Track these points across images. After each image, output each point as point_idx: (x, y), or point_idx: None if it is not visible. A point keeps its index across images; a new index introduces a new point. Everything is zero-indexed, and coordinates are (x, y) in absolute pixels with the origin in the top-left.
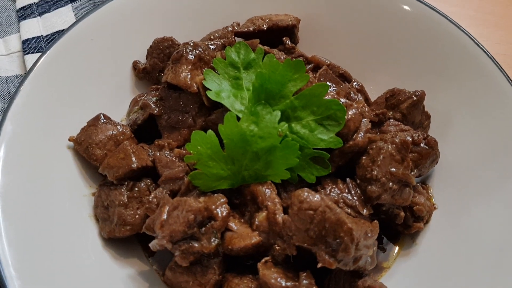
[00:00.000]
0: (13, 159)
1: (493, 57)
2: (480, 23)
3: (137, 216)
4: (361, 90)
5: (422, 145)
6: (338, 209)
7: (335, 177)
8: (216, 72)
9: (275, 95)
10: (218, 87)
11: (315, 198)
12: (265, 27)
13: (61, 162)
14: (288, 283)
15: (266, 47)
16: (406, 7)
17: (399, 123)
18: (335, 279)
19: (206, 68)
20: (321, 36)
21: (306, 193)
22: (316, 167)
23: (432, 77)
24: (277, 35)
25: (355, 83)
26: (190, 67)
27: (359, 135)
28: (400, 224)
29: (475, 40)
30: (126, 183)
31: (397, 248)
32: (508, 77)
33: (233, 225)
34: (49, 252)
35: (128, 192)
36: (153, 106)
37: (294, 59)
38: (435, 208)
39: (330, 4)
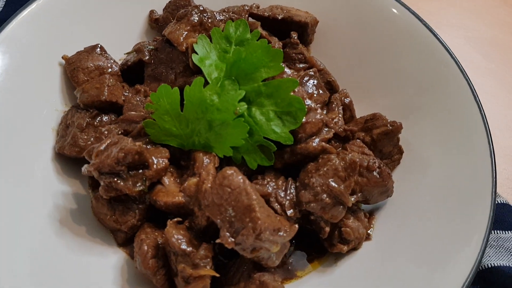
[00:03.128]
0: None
1: None
2: None
3: (88, 142)
4: (347, 105)
5: (374, 172)
6: (254, 196)
7: (280, 173)
8: (211, 41)
9: (245, 75)
10: (204, 54)
11: (237, 179)
12: (279, 17)
13: (48, 76)
14: (187, 247)
15: (265, 32)
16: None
17: (364, 146)
18: (239, 264)
19: (203, 34)
20: (336, 43)
21: (231, 171)
22: (261, 156)
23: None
24: (290, 28)
25: (346, 99)
26: (189, 27)
27: (314, 141)
28: (325, 240)
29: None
30: (91, 110)
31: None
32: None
33: (166, 180)
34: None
35: (89, 119)
36: (146, 53)
37: (295, 54)
38: (368, 238)
39: (353, 16)
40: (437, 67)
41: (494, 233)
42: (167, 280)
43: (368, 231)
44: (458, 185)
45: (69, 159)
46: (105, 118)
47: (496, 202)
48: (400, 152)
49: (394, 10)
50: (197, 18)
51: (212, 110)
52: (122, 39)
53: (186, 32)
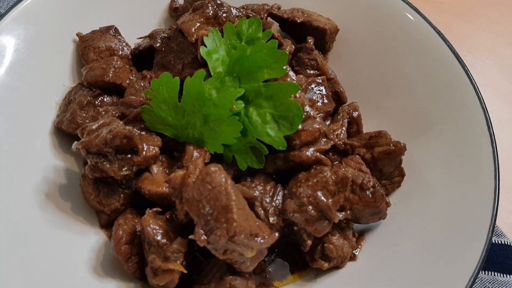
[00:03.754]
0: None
1: None
2: None
3: (86, 121)
4: (355, 119)
5: (367, 191)
6: (234, 197)
7: (271, 179)
8: (222, 36)
9: (247, 73)
10: (213, 48)
11: (220, 177)
12: (299, 20)
13: (61, 51)
14: (161, 239)
15: (278, 34)
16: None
17: (362, 163)
18: (213, 264)
19: (215, 28)
20: (355, 55)
21: (215, 169)
22: (252, 157)
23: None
24: (308, 32)
25: (354, 112)
26: (202, 19)
27: (309, 150)
28: (307, 253)
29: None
30: (94, 89)
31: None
32: None
33: (155, 169)
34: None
35: (90, 98)
36: (158, 40)
37: (308, 60)
38: (353, 259)
39: (376, 29)
40: (454, 93)
41: (491, 274)
42: (139, 269)
43: (354, 251)
44: (456, 221)
45: (67, 134)
46: (107, 99)
47: (499, 242)
48: (402, 174)
49: (419, 30)
50: (212, 11)
51: (209, 104)
52: (140, 24)
53: (198, 24)
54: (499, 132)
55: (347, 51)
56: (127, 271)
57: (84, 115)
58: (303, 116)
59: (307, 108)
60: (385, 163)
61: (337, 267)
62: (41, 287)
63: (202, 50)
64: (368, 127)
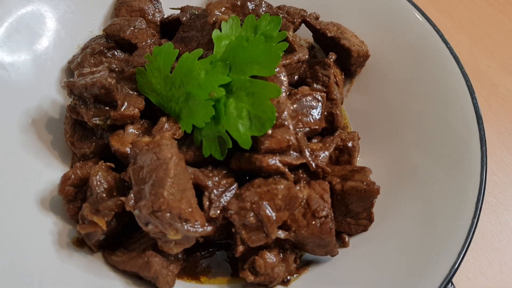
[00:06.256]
0: None
1: None
2: None
3: (93, 69)
4: (348, 149)
5: (317, 220)
6: (172, 175)
7: (233, 175)
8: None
9: (238, 64)
10: (226, 34)
11: (167, 151)
12: (329, 34)
13: (100, 2)
14: (101, 192)
15: (293, 39)
16: None
17: (327, 191)
18: (144, 236)
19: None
20: (382, 88)
21: (166, 142)
22: (216, 147)
23: None
24: (335, 48)
25: (350, 142)
26: (228, 5)
27: (272, 158)
28: (240, 261)
29: None
30: (110, 41)
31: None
32: None
33: (130, 129)
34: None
35: (103, 48)
36: (187, 15)
37: (321, 75)
38: (285, 283)
39: (411, 66)
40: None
41: None
42: (78, 214)
43: (289, 277)
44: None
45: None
46: (118, 53)
47: None
48: (370, 219)
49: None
50: (241, 0)
51: (194, 83)
52: None
53: (223, 8)
54: None
55: (373, 81)
56: (66, 212)
57: (92, 61)
58: (275, 122)
59: (285, 116)
60: (353, 200)
61: (265, 285)
62: None
63: (215, 33)
64: (372, 161)
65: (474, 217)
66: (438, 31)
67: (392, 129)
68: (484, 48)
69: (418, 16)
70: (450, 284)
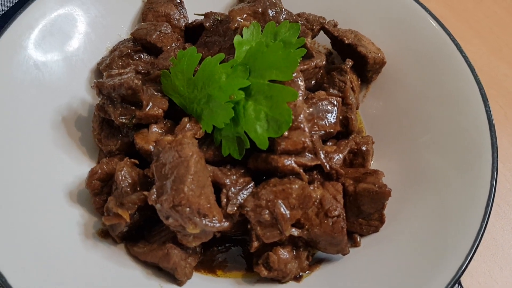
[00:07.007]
0: None
1: None
2: None
3: (121, 70)
4: (362, 152)
5: (329, 219)
6: (193, 171)
7: (250, 175)
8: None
9: (257, 69)
10: (247, 40)
11: (189, 149)
12: (346, 41)
13: (129, 8)
14: (126, 187)
15: (311, 45)
16: None
17: (340, 192)
18: (164, 229)
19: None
20: (396, 94)
21: (188, 141)
22: (235, 147)
23: None
24: (352, 55)
25: (364, 146)
26: (250, 12)
27: (288, 159)
28: (255, 256)
29: None
30: (137, 44)
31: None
32: None
33: (154, 128)
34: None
35: (131, 51)
36: (211, 21)
37: (338, 80)
38: (297, 279)
39: (427, 73)
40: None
41: None
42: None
43: (301, 273)
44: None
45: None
46: (145, 56)
47: None
48: (381, 220)
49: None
50: (262, 8)
51: (215, 86)
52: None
53: (245, 15)
54: None
55: (389, 87)
56: (93, 205)
57: (120, 63)
58: (292, 125)
59: (301, 119)
60: (365, 201)
61: (278, 281)
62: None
63: (236, 38)
64: (385, 164)
65: (483, 221)
66: (453, 40)
67: (405, 134)
68: (502, 58)
69: (434, 25)
70: (457, 285)
